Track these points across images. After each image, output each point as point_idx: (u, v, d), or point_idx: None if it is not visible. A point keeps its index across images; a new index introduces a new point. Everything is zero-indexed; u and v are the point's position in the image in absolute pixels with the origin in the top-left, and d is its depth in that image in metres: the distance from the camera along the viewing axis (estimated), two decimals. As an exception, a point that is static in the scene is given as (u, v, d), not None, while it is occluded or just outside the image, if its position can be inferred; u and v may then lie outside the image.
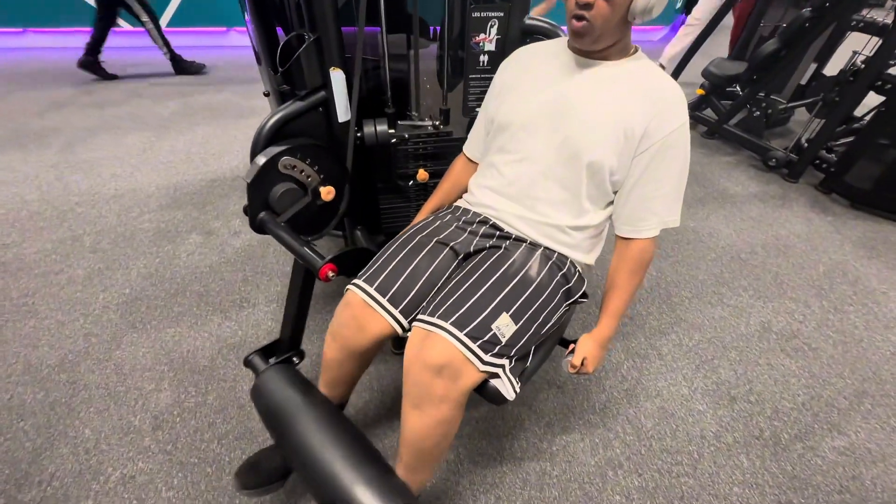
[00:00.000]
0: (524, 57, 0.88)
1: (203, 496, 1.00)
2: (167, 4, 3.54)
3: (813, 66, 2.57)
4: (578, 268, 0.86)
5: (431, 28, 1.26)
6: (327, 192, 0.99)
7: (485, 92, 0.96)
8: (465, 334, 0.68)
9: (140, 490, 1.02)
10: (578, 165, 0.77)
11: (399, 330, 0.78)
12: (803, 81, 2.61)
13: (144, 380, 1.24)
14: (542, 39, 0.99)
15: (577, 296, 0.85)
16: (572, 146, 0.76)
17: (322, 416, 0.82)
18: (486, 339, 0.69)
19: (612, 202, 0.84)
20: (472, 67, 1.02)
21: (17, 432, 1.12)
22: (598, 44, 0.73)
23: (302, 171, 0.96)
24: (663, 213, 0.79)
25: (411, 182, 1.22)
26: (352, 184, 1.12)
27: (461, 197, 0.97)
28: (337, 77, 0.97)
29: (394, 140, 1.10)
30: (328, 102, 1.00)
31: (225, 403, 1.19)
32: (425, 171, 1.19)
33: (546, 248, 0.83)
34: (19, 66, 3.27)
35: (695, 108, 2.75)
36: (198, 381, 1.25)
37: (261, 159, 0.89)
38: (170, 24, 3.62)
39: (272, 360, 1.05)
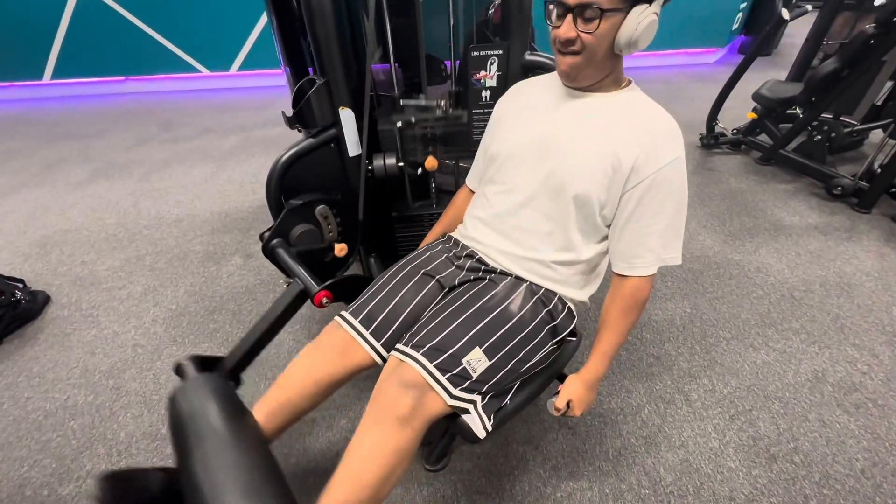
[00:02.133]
0: (520, 90, 0.89)
1: None
2: (238, 52, 4.00)
3: (889, 85, 2.31)
4: (569, 304, 0.83)
5: (447, 63, 1.31)
6: (340, 249, 1.06)
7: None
8: (434, 365, 0.68)
9: (157, 495, 1.09)
10: (565, 198, 0.76)
11: (379, 361, 0.79)
12: (878, 102, 2.35)
13: (175, 390, 1.35)
14: (542, 73, 1.00)
15: (565, 334, 0.82)
16: (558, 179, 0.76)
17: (246, 446, 0.66)
18: (455, 372, 0.68)
19: (606, 237, 0.81)
20: (474, 103, 1.05)
21: (66, 430, 1.26)
22: (586, 79, 0.74)
23: (329, 224, 1.04)
24: (659, 250, 0.75)
25: (420, 170, 1.15)
26: (367, 216, 1.18)
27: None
28: (346, 115, 1.04)
29: (399, 124, 1.06)
30: (339, 139, 1.08)
31: (241, 418, 1.26)
32: (434, 157, 1.12)
33: (532, 283, 0.81)
34: (119, 108, 3.82)
35: (747, 132, 2.56)
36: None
37: (308, 196, 0.98)
38: (241, 68, 4.08)
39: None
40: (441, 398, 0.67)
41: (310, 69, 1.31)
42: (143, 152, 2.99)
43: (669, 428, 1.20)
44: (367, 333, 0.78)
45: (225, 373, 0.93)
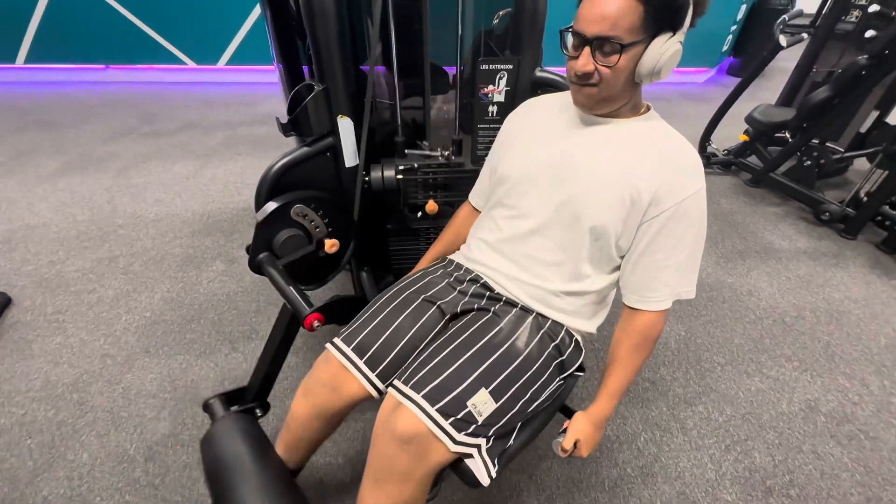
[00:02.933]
0: (530, 109, 0.85)
1: None
2: (227, 46, 3.87)
3: (874, 114, 2.37)
4: (576, 337, 0.79)
5: (451, 70, 1.26)
6: (331, 245, 1.00)
7: (493, 141, 0.94)
8: (436, 409, 0.62)
9: (121, 525, 1.01)
10: (580, 229, 0.72)
11: (375, 394, 0.73)
12: (863, 129, 2.41)
13: (147, 406, 1.26)
14: (552, 92, 0.96)
15: (573, 369, 0.77)
16: (574, 209, 0.72)
17: (272, 485, 0.75)
18: (459, 416, 0.63)
19: (618, 267, 0.77)
20: (480, 117, 1.01)
21: (23, 449, 1.15)
22: (602, 108, 0.70)
23: (312, 221, 0.98)
24: (675, 284, 0.72)
25: (420, 213, 1.18)
26: (359, 235, 1.11)
27: (459, 249, 0.94)
28: (345, 124, 0.98)
29: (402, 168, 1.07)
30: (336, 148, 1.02)
31: (217, 439, 1.18)
32: (435, 202, 1.15)
33: (538, 314, 0.77)
34: (98, 97, 3.65)
35: (738, 154, 2.60)
36: (196, 414, 1.24)
37: (273, 204, 0.91)
38: (229, 63, 3.95)
39: (234, 409, 1.01)
40: (444, 444, 0.62)
41: (304, 67, 1.25)
42: (121, 145, 2.85)
43: (666, 458, 1.17)
44: (360, 363, 0.72)
45: (250, 400, 1.01)
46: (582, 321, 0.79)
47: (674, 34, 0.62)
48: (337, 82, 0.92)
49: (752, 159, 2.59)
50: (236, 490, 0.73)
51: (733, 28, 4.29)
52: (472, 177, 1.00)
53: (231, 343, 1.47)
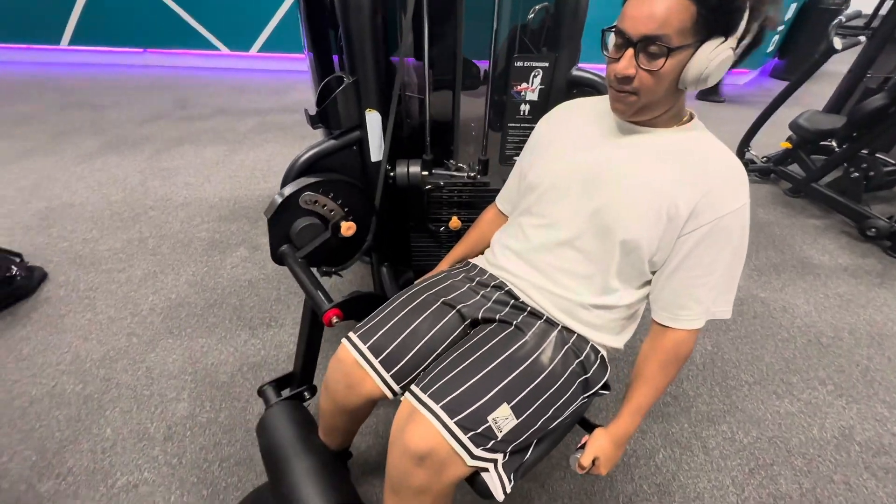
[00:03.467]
0: (565, 113, 0.82)
1: None
2: (260, 33, 3.92)
3: (932, 125, 2.21)
4: (602, 352, 0.76)
5: (482, 64, 1.22)
6: (347, 228, 0.98)
7: (523, 141, 0.91)
8: (455, 422, 0.61)
9: (140, 500, 1.04)
10: (611, 242, 0.68)
11: (389, 395, 0.72)
12: (919, 141, 2.25)
13: (168, 387, 1.29)
14: (589, 93, 0.92)
15: (597, 387, 0.74)
16: (605, 220, 0.68)
17: (316, 468, 0.82)
18: (479, 431, 0.61)
19: (649, 281, 0.73)
20: (511, 116, 0.98)
21: (51, 420, 1.20)
22: (641, 115, 0.66)
23: (324, 206, 0.96)
24: (709, 303, 0.68)
25: (443, 228, 1.20)
26: (381, 220, 1.10)
27: (482, 252, 0.91)
28: (373, 118, 0.97)
29: (428, 186, 1.09)
30: (362, 142, 1.00)
31: (234, 424, 1.20)
32: (458, 219, 1.17)
33: (564, 327, 0.74)
34: (135, 80, 3.76)
35: (778, 161, 2.47)
36: (214, 397, 1.27)
37: (279, 197, 0.91)
38: (261, 50, 4.00)
39: (285, 392, 1.06)
40: (461, 458, 0.60)
41: (334, 56, 1.23)
42: (155, 128, 2.93)
43: (685, 476, 1.13)
44: (375, 362, 0.71)
45: (297, 385, 1.06)
46: (609, 336, 0.76)
47: (726, 39, 0.58)
48: (367, 75, 0.91)
49: (794, 168, 2.46)
50: (287, 474, 0.81)
51: (780, 28, 4.08)
52: (504, 146, 0.99)
53: (251, 329, 1.49)
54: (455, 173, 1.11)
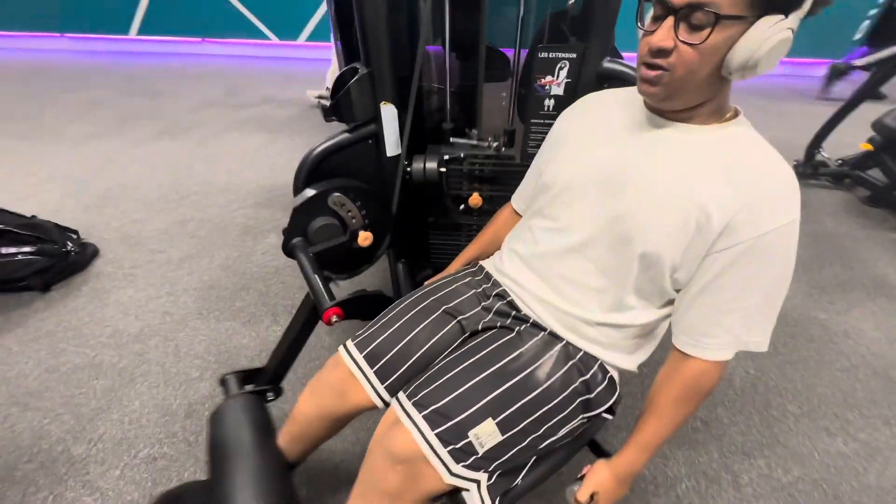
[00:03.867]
0: (589, 105, 0.74)
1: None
2: (307, 23, 4.00)
3: None
4: (611, 373, 0.69)
5: (509, 53, 1.15)
6: (364, 238, 0.97)
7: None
8: (435, 434, 0.57)
9: (157, 473, 1.09)
10: (629, 254, 0.61)
11: (380, 404, 0.70)
12: None
13: (193, 366, 1.35)
14: (622, 86, 0.84)
15: (601, 409, 0.68)
16: (624, 228, 0.61)
17: (266, 475, 0.74)
18: (459, 445, 0.57)
19: (671, 301, 0.65)
20: (535, 111, 0.91)
21: (89, 389, 1.29)
22: (674, 101, 0.57)
23: (349, 212, 0.96)
24: (740, 332, 0.59)
25: (462, 206, 1.11)
26: (396, 225, 1.08)
27: (494, 253, 0.86)
28: (388, 111, 0.94)
29: (447, 158, 1.01)
30: (378, 136, 0.97)
31: (249, 408, 1.24)
32: (480, 195, 1.07)
33: (570, 342, 0.68)
34: (192, 69, 3.97)
35: (856, 165, 2.19)
36: (233, 379, 1.31)
37: (311, 190, 0.91)
38: (309, 39, 4.09)
39: (248, 388, 1.03)
40: (438, 473, 0.57)
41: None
42: (206, 115, 3.08)
43: (709, 512, 1.03)
44: (370, 373, 0.69)
45: (264, 382, 1.01)
46: (619, 355, 0.68)
47: (785, 17, 0.48)
48: (383, 66, 0.88)
49: (874, 173, 2.17)
50: (231, 474, 0.73)
51: (872, 12, 3.60)
52: (523, 172, 0.92)
53: (273, 316, 1.53)
54: (477, 142, 1.02)
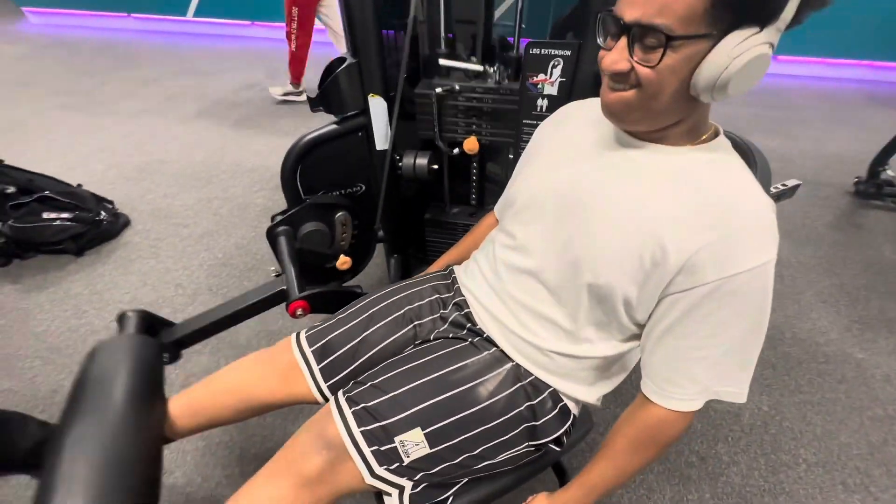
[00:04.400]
0: (570, 115, 0.68)
1: (188, 465, 1.08)
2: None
3: None
4: (565, 402, 0.63)
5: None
6: (343, 262, 0.98)
7: (536, 143, 0.79)
8: (361, 431, 0.56)
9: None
10: (579, 282, 0.56)
11: (320, 400, 0.69)
12: None
13: (195, 339, 1.41)
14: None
15: (548, 440, 0.63)
16: (574, 255, 0.56)
17: (131, 441, 0.58)
18: (383, 448, 0.55)
19: (637, 335, 0.59)
20: (526, 111, 0.85)
21: (102, 351, 1.38)
22: (639, 125, 0.52)
23: (344, 233, 0.96)
24: (710, 382, 0.52)
25: (456, 150, 0.98)
26: (391, 212, 1.07)
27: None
28: (376, 104, 0.91)
29: (438, 90, 0.88)
30: (367, 128, 0.95)
31: (239, 385, 1.28)
32: (478, 139, 0.94)
33: (522, 365, 0.63)
34: (238, 51, 4.12)
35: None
36: (229, 356, 1.36)
37: (332, 198, 0.93)
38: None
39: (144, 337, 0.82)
40: (359, 472, 0.55)
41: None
42: (245, 97, 3.19)
43: (689, 556, 0.95)
44: (315, 368, 0.68)
45: (169, 342, 0.85)
46: (578, 386, 0.63)
47: (761, 30, 0.41)
48: (370, 56, 0.85)
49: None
50: (86, 422, 0.58)
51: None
52: (518, 144, 0.84)
53: (276, 298, 1.57)
54: (473, 67, 0.88)
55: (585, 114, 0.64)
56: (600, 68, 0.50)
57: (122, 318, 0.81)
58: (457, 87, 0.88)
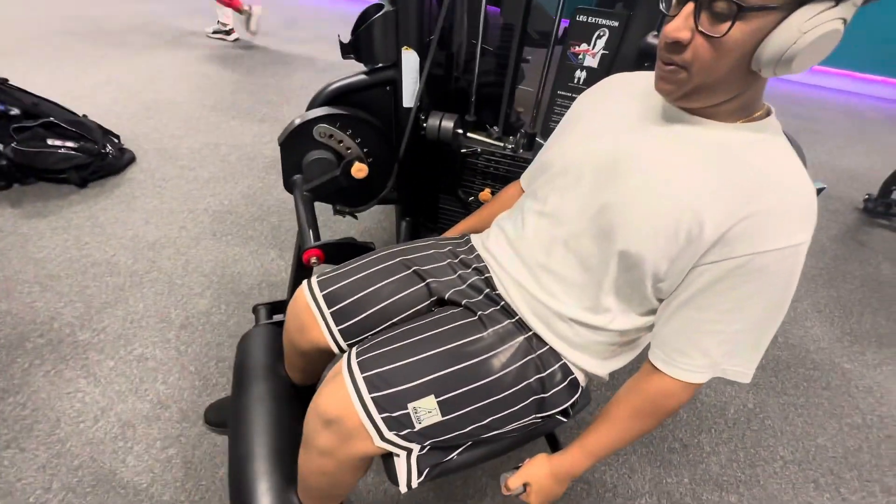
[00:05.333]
0: (614, 87, 0.66)
1: (180, 403, 1.10)
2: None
3: None
4: (575, 374, 0.65)
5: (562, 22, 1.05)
6: (358, 170, 0.93)
7: (569, 115, 0.77)
8: (372, 398, 0.56)
9: (146, 373, 1.17)
10: (609, 249, 0.56)
11: (335, 349, 0.69)
12: None
13: (196, 283, 1.41)
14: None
15: (555, 410, 0.64)
16: (608, 221, 0.55)
17: (270, 400, 0.82)
18: (395, 415, 0.56)
19: (654, 311, 0.60)
20: (562, 82, 0.83)
21: (102, 283, 1.38)
22: (692, 100, 0.51)
23: (340, 143, 0.92)
24: (719, 357, 0.53)
25: (472, 198, 1.12)
26: (404, 170, 1.04)
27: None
28: (409, 58, 0.88)
29: (464, 150, 1.01)
30: (396, 83, 0.93)
31: (239, 332, 1.28)
32: (491, 192, 1.08)
33: (535, 334, 0.64)
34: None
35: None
36: (230, 302, 1.36)
37: (296, 121, 0.88)
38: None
39: (276, 317, 1.07)
40: (370, 436, 0.56)
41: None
42: (259, 43, 3.09)
43: (662, 533, 0.99)
44: (326, 312, 0.68)
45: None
46: (591, 360, 0.64)
47: (836, 4, 0.40)
48: (409, 5, 0.81)
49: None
50: (243, 395, 0.84)
51: None
52: (550, 114, 0.87)
53: (280, 250, 1.56)
54: (495, 142, 1.00)
55: (631, 85, 0.62)
56: (659, 41, 0.49)
57: (255, 310, 1.06)
58: (478, 151, 1.01)
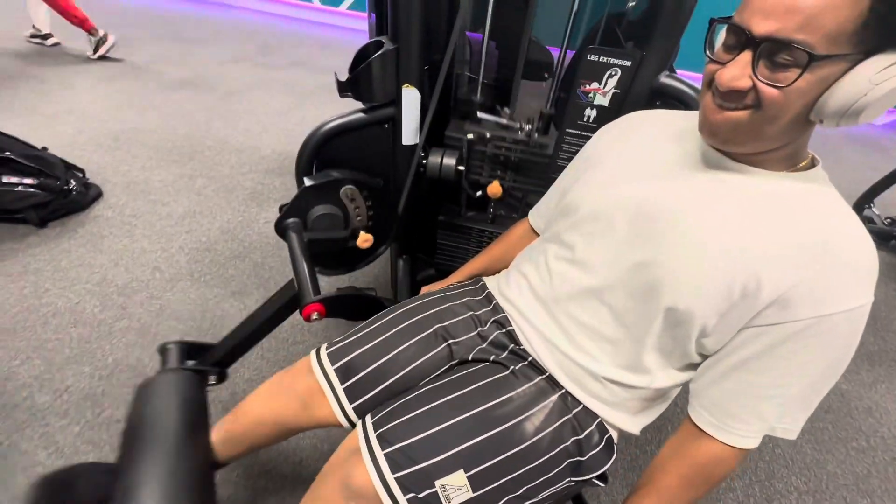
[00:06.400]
0: (635, 125, 0.64)
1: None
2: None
3: None
4: (611, 433, 0.60)
5: (555, 52, 1.04)
6: (364, 240, 0.90)
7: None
8: (395, 478, 0.49)
9: (117, 437, 1.04)
10: (654, 306, 0.52)
11: (346, 424, 0.62)
12: None
13: (173, 330, 1.30)
14: (676, 108, 0.73)
15: (592, 475, 0.59)
16: (652, 277, 0.51)
17: (184, 473, 0.62)
18: (422, 495, 0.50)
19: (693, 365, 0.56)
20: (572, 120, 0.81)
21: (65, 336, 1.25)
22: (744, 146, 0.48)
23: (357, 208, 0.89)
24: (773, 420, 0.50)
25: (479, 192, 1.00)
26: (405, 211, 1.00)
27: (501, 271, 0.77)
28: (410, 95, 0.85)
29: (470, 136, 0.90)
30: (395, 121, 0.89)
31: (224, 385, 1.18)
32: (501, 184, 0.96)
33: (569, 392, 0.59)
34: (228, 21, 3.89)
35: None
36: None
37: (333, 173, 0.84)
38: (351, 8, 3.98)
39: (191, 364, 0.88)
40: None
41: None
42: (234, 70, 3.00)
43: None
44: (339, 389, 0.61)
45: (210, 362, 0.88)
46: (625, 416, 0.60)
47: None
48: (411, 43, 0.78)
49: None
50: (144, 459, 0.62)
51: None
52: (557, 154, 0.82)
53: (264, 289, 1.47)
54: (506, 122, 0.91)
55: (663, 126, 0.59)
56: (704, 82, 0.46)
57: (163, 350, 0.86)
58: (487, 135, 0.90)
